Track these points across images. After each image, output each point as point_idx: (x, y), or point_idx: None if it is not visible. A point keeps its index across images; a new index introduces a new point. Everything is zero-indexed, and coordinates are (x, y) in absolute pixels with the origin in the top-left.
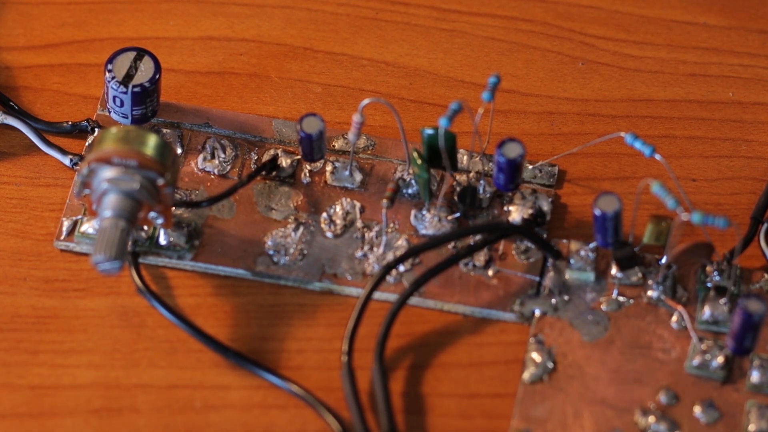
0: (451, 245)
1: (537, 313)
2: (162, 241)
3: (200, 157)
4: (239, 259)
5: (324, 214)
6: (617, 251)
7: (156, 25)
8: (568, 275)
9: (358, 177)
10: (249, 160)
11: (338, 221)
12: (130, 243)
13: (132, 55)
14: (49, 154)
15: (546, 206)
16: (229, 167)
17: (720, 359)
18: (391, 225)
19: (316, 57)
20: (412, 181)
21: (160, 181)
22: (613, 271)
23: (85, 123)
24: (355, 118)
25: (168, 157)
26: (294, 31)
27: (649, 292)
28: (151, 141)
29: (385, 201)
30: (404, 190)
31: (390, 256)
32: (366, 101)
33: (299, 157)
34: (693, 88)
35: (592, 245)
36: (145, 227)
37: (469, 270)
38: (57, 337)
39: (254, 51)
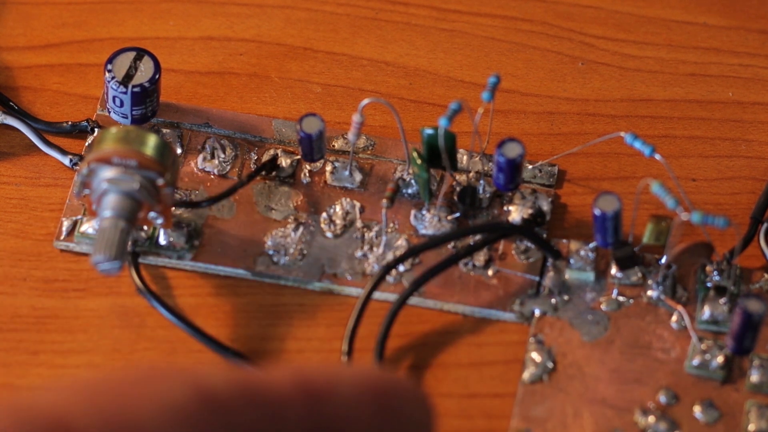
0: (450, 245)
1: (537, 313)
2: (162, 241)
3: (200, 157)
4: (239, 259)
5: (324, 214)
6: (617, 251)
7: (156, 25)
8: (568, 275)
9: (358, 177)
10: (249, 160)
11: (338, 221)
12: (129, 243)
13: (132, 55)
14: (48, 154)
15: (546, 206)
16: (228, 167)
17: (720, 359)
18: (391, 225)
19: (315, 57)
20: (412, 181)
21: (160, 181)
22: (613, 271)
23: (84, 123)
24: (355, 118)
25: (168, 157)
26: (294, 31)
27: (649, 292)
28: (151, 141)
29: (384, 201)
30: (404, 190)
31: (390, 256)
32: (366, 101)
33: (299, 157)
34: (693, 88)
35: (591, 245)
36: (145, 227)
37: (469, 270)
38: (57, 337)
39: (254, 51)
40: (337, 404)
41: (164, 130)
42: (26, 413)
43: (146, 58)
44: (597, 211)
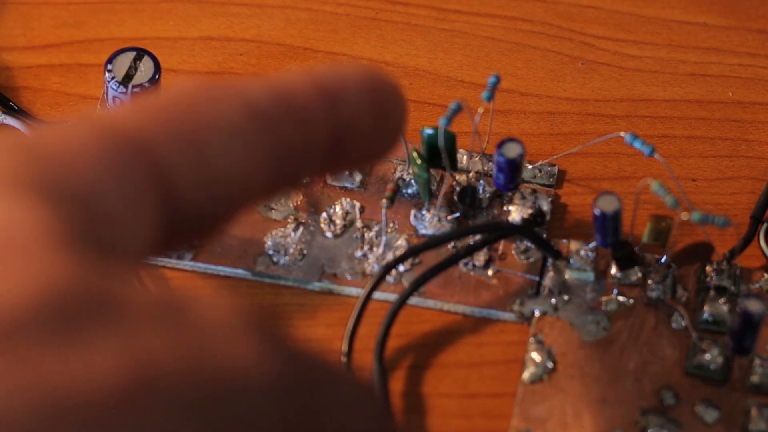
0: (450, 245)
1: (537, 313)
2: None
3: None
4: (239, 259)
5: (324, 214)
6: (617, 251)
7: (156, 25)
8: (568, 275)
9: (358, 177)
10: None
11: (338, 221)
12: None
13: (132, 55)
14: None
15: (546, 206)
16: None
17: (720, 359)
18: (391, 225)
19: (316, 57)
20: (412, 181)
21: None
22: (613, 270)
23: None
24: None
25: None
26: (294, 31)
27: (649, 292)
28: None
29: (384, 201)
30: (404, 190)
31: (390, 256)
32: None
33: None
34: (693, 87)
35: (591, 245)
36: None
37: (469, 270)
38: None
39: (254, 51)
40: (347, 106)
41: None
42: (111, 133)
43: (146, 58)
44: (597, 211)
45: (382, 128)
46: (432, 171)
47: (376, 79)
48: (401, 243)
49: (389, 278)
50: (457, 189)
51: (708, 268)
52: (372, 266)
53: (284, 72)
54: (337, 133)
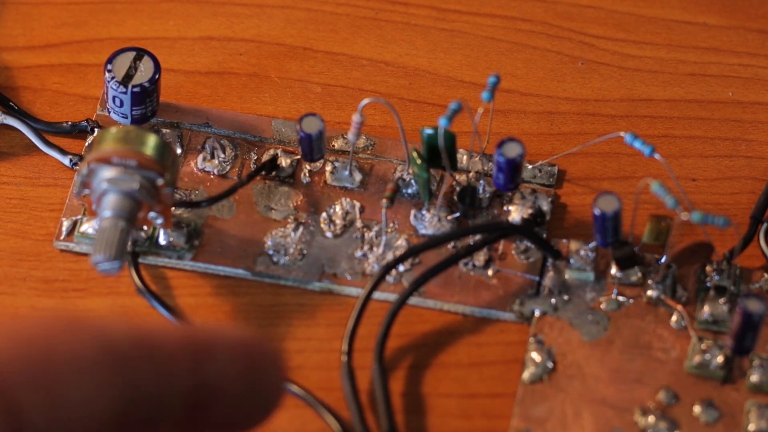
0: (450, 245)
1: (537, 312)
2: (161, 241)
3: (200, 157)
4: (239, 259)
5: (323, 214)
6: (617, 251)
7: (156, 25)
8: (568, 275)
9: (358, 177)
10: (249, 160)
11: (338, 221)
12: (129, 243)
13: (132, 55)
14: (48, 154)
15: (546, 206)
16: (228, 167)
17: (720, 359)
18: (391, 225)
19: (315, 57)
20: (412, 181)
21: (160, 181)
22: (613, 270)
23: (84, 123)
24: (355, 118)
25: (168, 157)
26: (293, 31)
27: (649, 292)
28: (151, 141)
29: (384, 201)
30: (404, 190)
31: (390, 256)
32: (365, 101)
33: (299, 157)
34: (692, 87)
35: (591, 245)
36: (145, 227)
37: (469, 270)
38: None
39: (254, 51)
40: (216, 363)
41: (164, 130)
42: None
43: (146, 58)
44: (597, 211)
45: (253, 398)
46: (432, 171)
47: (254, 345)
48: (401, 243)
49: (389, 278)
50: (457, 189)
51: (708, 268)
52: (372, 266)
53: (157, 319)
54: (201, 392)
